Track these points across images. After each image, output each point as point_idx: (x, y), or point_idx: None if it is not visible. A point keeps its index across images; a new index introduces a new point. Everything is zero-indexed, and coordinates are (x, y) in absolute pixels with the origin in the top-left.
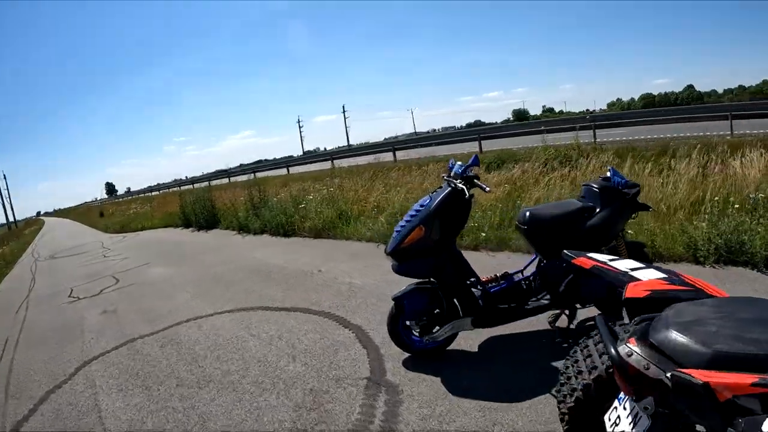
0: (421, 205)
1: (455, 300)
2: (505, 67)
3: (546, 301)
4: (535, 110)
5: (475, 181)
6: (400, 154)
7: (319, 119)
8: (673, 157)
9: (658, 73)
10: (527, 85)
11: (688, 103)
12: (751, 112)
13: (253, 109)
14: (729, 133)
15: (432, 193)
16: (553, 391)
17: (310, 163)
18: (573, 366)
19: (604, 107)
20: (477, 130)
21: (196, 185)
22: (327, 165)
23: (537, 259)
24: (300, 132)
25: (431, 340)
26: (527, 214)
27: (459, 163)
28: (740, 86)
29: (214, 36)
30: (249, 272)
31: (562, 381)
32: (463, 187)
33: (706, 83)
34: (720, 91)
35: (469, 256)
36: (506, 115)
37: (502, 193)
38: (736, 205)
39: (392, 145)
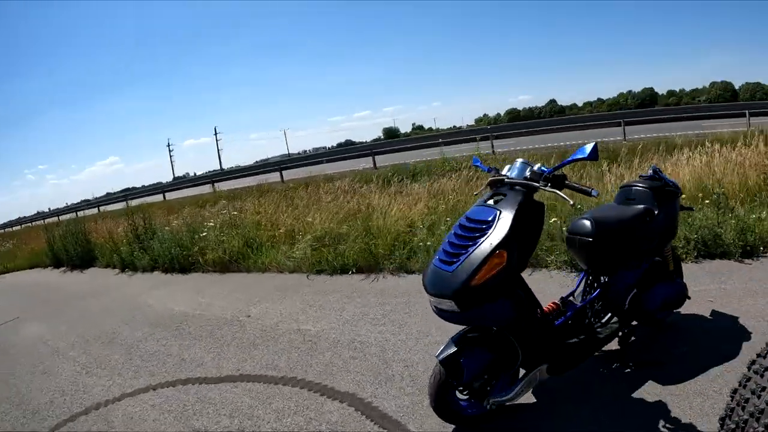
0: (479, 219)
1: (518, 344)
2: (374, 85)
3: (615, 325)
4: (405, 127)
5: (567, 182)
6: (288, 174)
7: (189, 143)
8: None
9: (521, 89)
10: (396, 103)
11: (551, 116)
12: (641, 118)
13: (117, 134)
14: (623, 138)
15: (486, 201)
16: None
17: (188, 187)
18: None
19: (472, 122)
20: (370, 146)
21: (62, 217)
22: (206, 189)
23: (586, 278)
24: (170, 156)
25: (496, 403)
26: (591, 223)
27: (520, 160)
28: (599, 99)
29: (66, 54)
30: (152, 325)
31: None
32: (554, 190)
33: (567, 97)
34: (580, 104)
35: None
36: (377, 133)
37: (433, 208)
38: (707, 201)
39: (278, 164)
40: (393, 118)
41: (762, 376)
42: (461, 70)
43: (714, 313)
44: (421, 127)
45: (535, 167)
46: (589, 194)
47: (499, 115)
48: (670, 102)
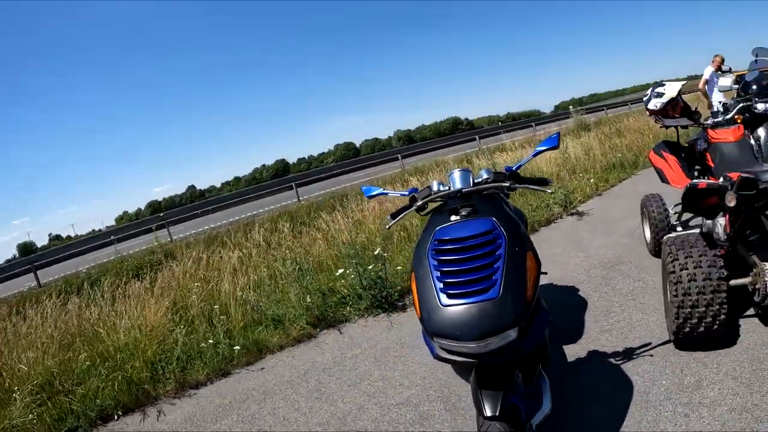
0: (479, 233)
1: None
2: None
3: None
4: (41, 240)
5: (523, 177)
6: None
7: None
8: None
9: (156, 181)
10: (24, 215)
11: (192, 201)
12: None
13: None
14: (296, 199)
15: (450, 216)
16: None
17: None
18: None
19: (113, 223)
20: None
21: None
22: None
23: None
24: None
25: (538, 422)
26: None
27: (458, 170)
28: (235, 177)
29: None
30: None
31: None
32: (525, 185)
33: (205, 181)
34: (218, 185)
35: None
36: (11, 252)
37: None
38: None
39: None
40: (26, 232)
41: None
42: (91, 172)
43: None
44: (59, 237)
45: (488, 171)
46: (545, 184)
47: (140, 209)
48: (302, 168)
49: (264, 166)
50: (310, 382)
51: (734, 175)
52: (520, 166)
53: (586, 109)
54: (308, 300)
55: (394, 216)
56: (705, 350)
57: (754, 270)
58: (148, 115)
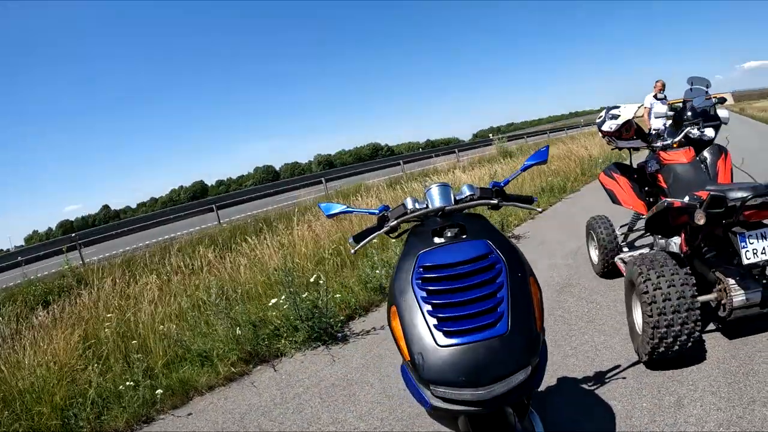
0: (474, 258)
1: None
2: None
3: None
4: None
5: (509, 195)
6: None
7: None
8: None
9: (67, 200)
10: None
11: (106, 222)
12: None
13: None
14: (217, 222)
15: (433, 238)
16: None
17: None
18: None
19: (22, 243)
20: None
21: None
22: None
23: None
24: None
25: None
26: None
27: (435, 185)
28: (152, 198)
29: None
30: None
31: None
32: (514, 203)
33: (119, 201)
34: (134, 206)
35: None
36: None
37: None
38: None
39: None
40: None
41: None
42: None
43: None
44: None
45: (472, 187)
46: (531, 201)
47: (51, 229)
48: (220, 191)
49: (182, 187)
50: (248, 429)
51: (703, 194)
52: (507, 182)
53: (508, 136)
54: (238, 332)
55: (358, 239)
56: (676, 368)
57: (718, 286)
58: (60, 127)
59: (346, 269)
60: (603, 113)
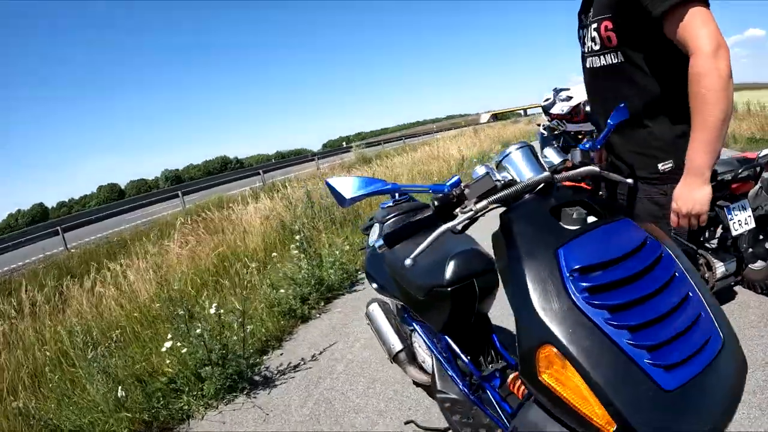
0: (632, 250)
1: None
2: None
3: None
4: None
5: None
6: None
7: None
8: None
9: None
10: None
11: None
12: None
13: None
14: (63, 247)
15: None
16: None
17: None
18: None
19: None
20: None
21: None
22: None
23: None
24: None
25: None
26: None
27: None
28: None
29: None
30: None
31: None
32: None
33: None
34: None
35: None
36: None
37: None
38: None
39: None
40: None
41: None
42: None
43: None
44: None
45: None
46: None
47: None
48: (62, 212)
49: (19, 211)
50: None
51: None
52: (602, 141)
53: (366, 143)
54: (120, 393)
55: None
56: None
57: (701, 260)
58: None
59: (256, 290)
60: (551, 96)
